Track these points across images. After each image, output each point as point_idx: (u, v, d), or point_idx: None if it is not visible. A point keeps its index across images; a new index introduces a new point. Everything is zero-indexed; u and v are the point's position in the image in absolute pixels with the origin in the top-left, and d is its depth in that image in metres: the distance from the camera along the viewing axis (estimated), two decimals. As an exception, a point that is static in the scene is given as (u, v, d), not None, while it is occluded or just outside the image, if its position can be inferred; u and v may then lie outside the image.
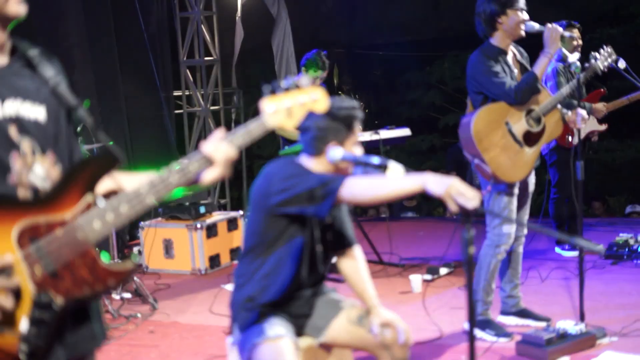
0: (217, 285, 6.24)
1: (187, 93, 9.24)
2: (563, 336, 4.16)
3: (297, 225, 3.05)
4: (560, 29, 4.37)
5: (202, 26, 9.08)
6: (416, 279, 5.77)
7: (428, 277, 5.99)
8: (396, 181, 2.75)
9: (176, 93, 9.23)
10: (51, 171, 1.98)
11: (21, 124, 1.94)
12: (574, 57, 4.44)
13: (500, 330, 4.54)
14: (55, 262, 1.85)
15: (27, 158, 1.94)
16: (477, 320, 4.57)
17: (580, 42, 6.25)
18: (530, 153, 4.49)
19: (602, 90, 6.29)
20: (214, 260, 6.93)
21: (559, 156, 6.39)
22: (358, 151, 3.09)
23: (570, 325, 4.24)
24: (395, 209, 9.61)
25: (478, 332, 4.53)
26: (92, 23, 7.54)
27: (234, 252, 7.14)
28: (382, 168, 2.90)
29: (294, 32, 9.45)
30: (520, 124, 4.44)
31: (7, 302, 1.78)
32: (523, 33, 4.44)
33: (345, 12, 11.82)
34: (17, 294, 1.81)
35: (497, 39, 4.47)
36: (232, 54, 9.51)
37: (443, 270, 6.19)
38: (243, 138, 2.08)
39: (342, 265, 3.32)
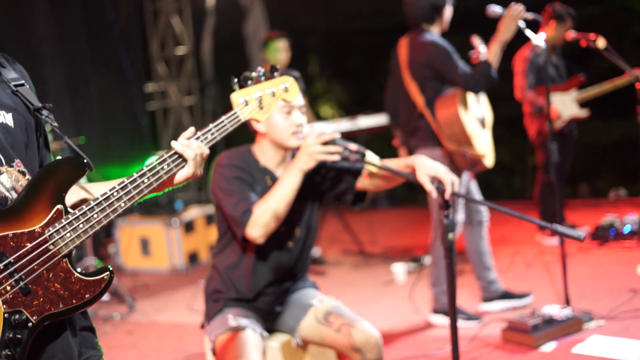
0: (196, 283, 6.12)
1: (160, 86, 9.07)
2: (549, 321, 4.11)
3: None
4: (520, 11, 4.28)
5: (174, 17, 8.91)
6: (399, 269, 5.68)
7: (412, 266, 5.90)
8: (283, 182, 2.79)
9: (149, 87, 9.05)
10: (20, 181, 1.87)
11: None
12: (539, 39, 4.32)
13: (470, 315, 4.54)
14: (27, 277, 1.75)
15: None
16: (444, 308, 4.58)
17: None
18: (489, 135, 4.61)
19: (580, 77, 6.24)
20: (193, 257, 6.81)
21: (544, 139, 6.36)
22: (298, 118, 2.92)
23: (556, 310, 4.17)
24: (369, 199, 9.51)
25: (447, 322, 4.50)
26: (60, 17, 7.36)
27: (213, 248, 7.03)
28: (360, 153, 2.83)
29: (270, 19, 9.31)
30: (477, 108, 4.55)
31: None
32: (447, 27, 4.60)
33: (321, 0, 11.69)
34: None
35: (437, 28, 4.55)
36: (205, 45, 9.36)
37: (427, 259, 6.11)
38: (214, 134, 2.02)
39: (367, 183, 3.05)
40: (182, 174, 1.97)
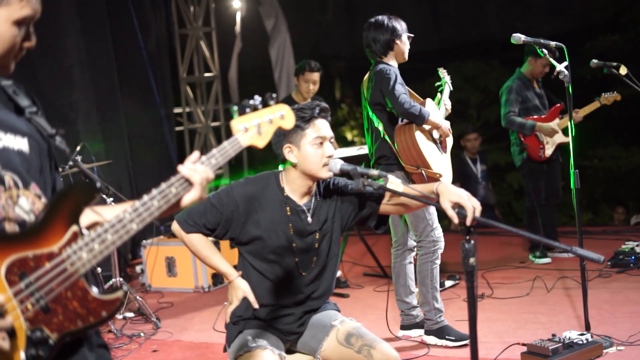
0: (220, 303, 6.21)
1: (187, 110, 9.23)
2: (569, 346, 4.11)
3: (264, 245, 3.02)
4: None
5: (202, 42, 9.09)
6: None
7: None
8: (212, 260, 3.12)
9: (177, 110, 9.22)
10: (36, 204, 1.95)
11: (5, 156, 1.90)
12: (561, 66, 4.45)
13: (459, 335, 4.62)
14: (46, 296, 1.81)
15: (12, 191, 1.90)
16: (433, 329, 4.70)
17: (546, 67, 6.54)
18: (448, 158, 4.83)
19: (560, 105, 6.47)
20: (217, 277, 6.90)
21: (530, 167, 6.66)
22: (329, 149, 2.99)
23: (575, 335, 4.19)
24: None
25: (437, 342, 4.67)
26: (90, 42, 7.53)
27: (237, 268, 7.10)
28: (381, 178, 2.86)
29: (294, 46, 9.45)
30: (435, 132, 4.75)
31: (4, 343, 1.73)
32: (407, 57, 4.79)
33: (345, 25, 11.83)
34: (10, 332, 1.76)
35: (392, 60, 4.76)
36: (232, 69, 9.53)
37: (448, 283, 6.14)
38: (217, 159, 2.08)
39: (390, 207, 3.09)
40: (189, 197, 2.01)
